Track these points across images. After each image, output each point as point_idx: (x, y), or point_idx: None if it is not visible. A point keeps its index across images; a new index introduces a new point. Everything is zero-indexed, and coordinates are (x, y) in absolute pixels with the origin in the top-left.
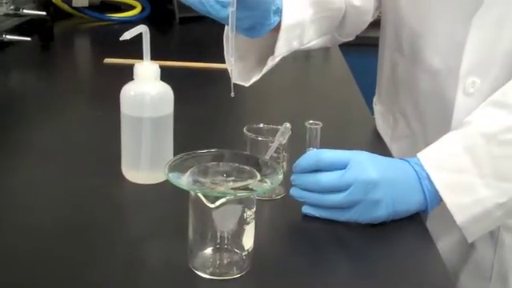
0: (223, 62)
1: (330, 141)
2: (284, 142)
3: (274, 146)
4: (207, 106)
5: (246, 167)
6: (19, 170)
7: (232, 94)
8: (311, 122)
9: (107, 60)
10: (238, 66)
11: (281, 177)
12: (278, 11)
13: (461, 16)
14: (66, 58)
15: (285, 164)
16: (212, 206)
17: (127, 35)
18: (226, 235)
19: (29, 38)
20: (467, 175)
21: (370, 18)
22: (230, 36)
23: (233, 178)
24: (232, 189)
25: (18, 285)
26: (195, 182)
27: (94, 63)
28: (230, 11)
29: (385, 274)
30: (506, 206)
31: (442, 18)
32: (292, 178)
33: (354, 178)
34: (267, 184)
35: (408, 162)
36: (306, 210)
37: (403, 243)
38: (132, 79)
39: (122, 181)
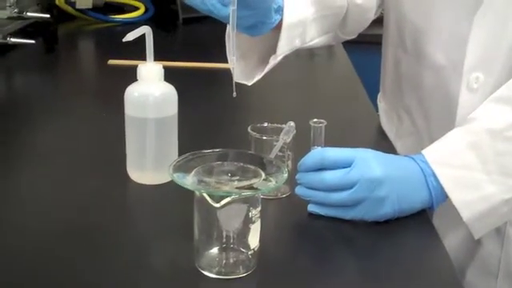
0: (227, 61)
1: (335, 139)
2: (288, 140)
3: (278, 145)
4: (211, 106)
5: (251, 166)
6: (24, 170)
7: (234, 94)
8: (315, 120)
9: (111, 61)
10: (241, 65)
11: (285, 175)
12: (280, 9)
13: (464, 11)
14: (70, 60)
15: (290, 163)
16: (217, 205)
17: (130, 36)
18: (231, 234)
19: (33, 41)
20: (473, 172)
21: (372, 16)
22: (231, 35)
23: (237, 178)
24: (237, 188)
25: (21, 285)
26: (200, 181)
27: (98, 65)
28: (231, 10)
29: (391, 271)
30: None
31: (445, 13)
32: (297, 176)
33: (358, 175)
34: (272, 183)
35: (413, 159)
36: (311, 208)
37: (409, 241)
38: (136, 80)
39: (127, 181)
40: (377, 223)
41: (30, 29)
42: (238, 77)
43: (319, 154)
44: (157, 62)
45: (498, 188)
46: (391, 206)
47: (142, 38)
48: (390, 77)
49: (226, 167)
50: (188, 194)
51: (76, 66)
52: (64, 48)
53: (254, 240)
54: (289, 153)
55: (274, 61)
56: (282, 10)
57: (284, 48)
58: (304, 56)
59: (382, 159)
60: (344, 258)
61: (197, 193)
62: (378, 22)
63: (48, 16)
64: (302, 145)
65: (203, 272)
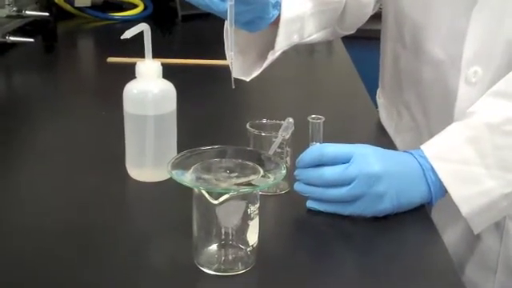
0: (225, 58)
1: (334, 135)
2: (287, 137)
3: (277, 141)
4: (210, 103)
5: (249, 163)
6: (24, 169)
7: (233, 86)
8: (314, 116)
9: (111, 59)
10: (239, 61)
11: (284, 172)
12: (277, 5)
13: (462, 6)
14: (70, 58)
15: (288, 159)
16: (216, 202)
17: (128, 34)
18: (230, 231)
19: (32, 39)
20: (471, 166)
21: (370, 11)
22: (229, 30)
23: (236, 174)
24: (235, 185)
25: (21, 285)
26: (198, 178)
27: (97, 62)
28: (229, 5)
29: (390, 267)
30: None
31: (444, 8)
32: (296, 172)
33: (357, 171)
34: (270, 179)
35: (412, 154)
36: (310, 204)
37: (408, 236)
38: (135, 77)
39: (126, 179)
40: (376, 219)
41: (29, 27)
42: (237, 72)
43: (318, 150)
44: (155, 59)
45: (497, 182)
46: (390, 202)
47: (141, 35)
48: (389, 72)
49: (224, 164)
50: (187, 191)
51: (75, 64)
52: (63, 46)
53: (252, 236)
54: (287, 149)
55: (272, 56)
56: (280, 5)
57: (282, 43)
58: (303, 52)
59: (380, 155)
60: (343, 253)
61: (195, 190)
62: (377, 17)
63: (47, 14)
64: (300, 141)
65: (202, 269)
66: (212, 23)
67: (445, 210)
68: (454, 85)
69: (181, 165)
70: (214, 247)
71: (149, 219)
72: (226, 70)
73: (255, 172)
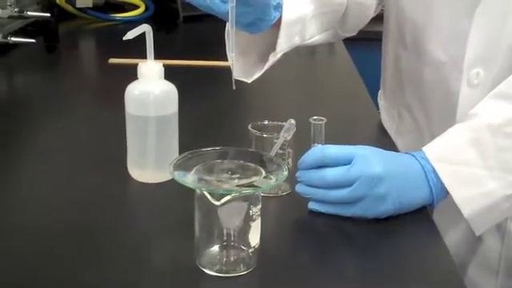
0: (227, 59)
1: (336, 136)
2: (289, 138)
3: (279, 142)
4: (212, 104)
5: (251, 164)
6: (25, 169)
7: (233, 87)
8: (315, 117)
9: (112, 60)
10: (240, 63)
11: (286, 173)
12: (279, 6)
13: (464, 7)
14: (71, 59)
15: (290, 160)
16: (217, 203)
17: (130, 35)
18: (232, 232)
19: (33, 40)
20: (473, 168)
21: (371, 13)
22: (230, 31)
23: (238, 176)
24: (237, 186)
25: (21, 285)
26: (200, 179)
27: (98, 63)
28: (230, 6)
29: (392, 268)
30: None
31: (445, 10)
32: (297, 174)
33: (358, 173)
34: (272, 181)
35: (413, 155)
36: (311, 206)
37: (410, 237)
38: (137, 78)
39: (127, 180)
40: (377, 220)
41: (31, 28)
42: (238, 74)
43: (319, 151)
44: (157, 60)
45: (499, 184)
46: (391, 203)
47: (143, 36)
48: (391, 73)
49: (226, 165)
50: (188, 192)
51: (77, 65)
52: (65, 47)
53: (254, 238)
54: (289, 150)
55: (273, 58)
56: (281, 7)
57: (283, 45)
58: (304, 53)
59: (381, 156)
60: (344, 255)
61: (197, 191)
62: (379, 18)
63: (48, 15)
64: (302, 142)
65: (204, 270)
66: (213, 24)
67: (446, 211)
68: (456, 86)
69: (183, 166)
70: (215, 248)
71: (150, 220)
72: (227, 71)
73: (257, 173)
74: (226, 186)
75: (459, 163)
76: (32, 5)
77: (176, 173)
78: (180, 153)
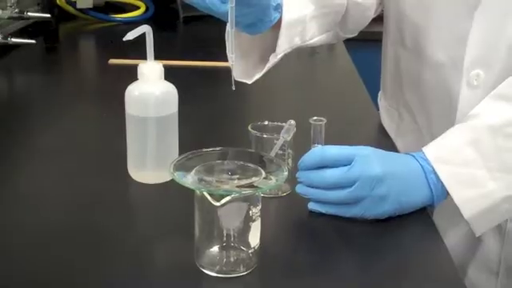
0: (227, 60)
1: (336, 137)
2: (289, 138)
3: (279, 143)
4: (212, 105)
5: (251, 165)
6: (25, 170)
7: (233, 88)
8: (315, 118)
9: (112, 61)
10: (241, 64)
11: (286, 174)
12: (279, 7)
13: (464, 8)
14: (71, 60)
15: (290, 161)
16: (217, 204)
17: (130, 36)
18: (232, 233)
19: (34, 41)
20: (473, 168)
21: (372, 14)
22: (229, 32)
23: (238, 176)
24: (237, 187)
25: (21, 284)
26: (200, 180)
27: (99, 64)
28: (229, 7)
29: (392, 269)
30: None
31: (445, 11)
32: (297, 174)
33: (358, 173)
34: (272, 181)
35: (413, 156)
36: (311, 206)
37: (410, 238)
38: (137, 79)
39: (127, 181)
40: (377, 221)
41: (31, 29)
42: (239, 75)
43: (319, 152)
44: (157, 60)
45: (499, 185)
46: (391, 204)
47: (143, 37)
48: (391, 74)
49: (226, 166)
50: (188, 192)
51: (77, 66)
52: (65, 48)
53: (254, 238)
54: (289, 151)
55: (274, 59)
56: (281, 8)
57: (284, 46)
58: (304, 54)
59: (381, 157)
60: (344, 255)
61: (197, 191)
62: (379, 19)
63: (49, 16)
64: (302, 143)
65: (204, 271)
66: (213, 25)
67: (446, 212)
68: (456, 87)
69: (182, 167)
70: (215, 249)
71: (150, 221)
72: (227, 71)
73: (257, 174)
74: (226, 187)
75: (459, 164)
76: (32, 6)
77: (176, 173)
78: (180, 153)
